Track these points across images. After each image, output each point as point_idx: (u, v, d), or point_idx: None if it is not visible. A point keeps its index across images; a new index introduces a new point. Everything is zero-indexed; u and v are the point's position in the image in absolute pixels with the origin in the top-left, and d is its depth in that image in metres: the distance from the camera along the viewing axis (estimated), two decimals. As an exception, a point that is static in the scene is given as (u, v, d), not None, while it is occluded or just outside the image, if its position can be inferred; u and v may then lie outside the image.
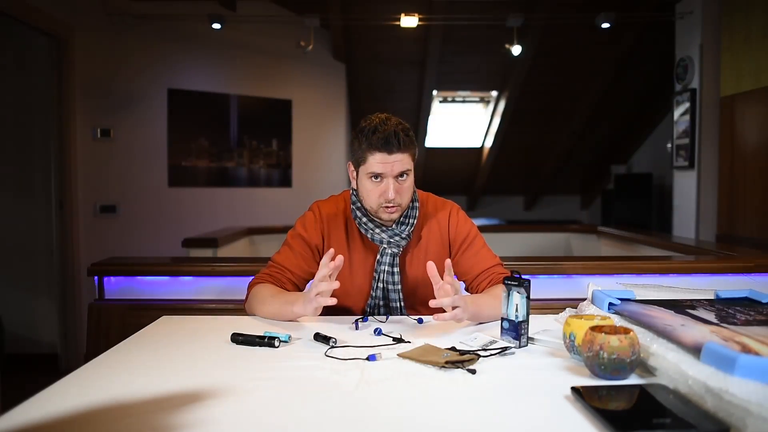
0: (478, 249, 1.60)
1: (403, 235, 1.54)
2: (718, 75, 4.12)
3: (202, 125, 4.67)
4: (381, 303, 1.54)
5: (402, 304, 1.54)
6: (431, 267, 1.31)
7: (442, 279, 1.31)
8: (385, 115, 1.49)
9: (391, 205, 1.48)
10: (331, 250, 1.34)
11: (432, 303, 1.30)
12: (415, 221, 1.57)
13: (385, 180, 1.46)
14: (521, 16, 4.36)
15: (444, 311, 1.32)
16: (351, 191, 1.61)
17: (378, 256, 1.54)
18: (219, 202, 4.76)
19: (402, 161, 1.46)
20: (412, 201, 1.58)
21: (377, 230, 1.53)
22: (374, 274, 1.54)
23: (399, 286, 1.53)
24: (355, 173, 1.55)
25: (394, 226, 1.54)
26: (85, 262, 3.84)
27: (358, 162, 1.50)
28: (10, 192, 3.77)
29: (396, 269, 1.53)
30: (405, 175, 1.48)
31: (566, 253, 4.37)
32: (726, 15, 4.01)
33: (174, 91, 4.45)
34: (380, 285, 1.53)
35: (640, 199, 6.51)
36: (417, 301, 1.56)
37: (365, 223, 1.54)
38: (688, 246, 2.77)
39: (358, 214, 1.56)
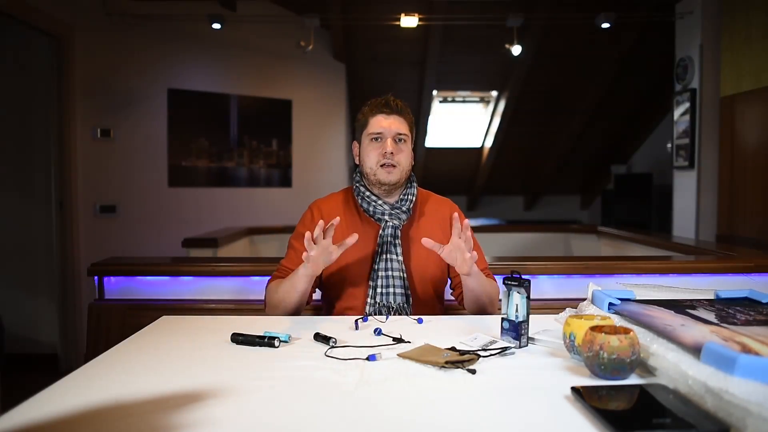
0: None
1: (404, 209, 1.62)
2: (718, 75, 4.12)
3: (202, 125, 4.67)
4: (384, 275, 1.57)
5: (404, 275, 1.58)
6: (426, 241, 1.42)
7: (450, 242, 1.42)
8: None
9: (390, 162, 1.58)
10: (320, 223, 1.37)
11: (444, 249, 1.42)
12: (414, 199, 1.66)
13: (384, 140, 1.60)
14: (521, 16, 4.36)
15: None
16: (355, 172, 1.70)
17: (380, 231, 1.60)
18: (219, 202, 4.76)
19: (399, 124, 1.62)
20: (410, 180, 1.68)
21: (380, 202, 1.61)
22: (377, 248, 1.59)
23: (401, 258, 1.59)
24: (358, 148, 1.67)
25: (394, 201, 1.63)
26: (85, 262, 3.84)
27: (361, 130, 1.65)
28: (10, 192, 3.77)
29: (398, 241, 1.60)
30: (402, 140, 1.61)
31: (566, 253, 4.37)
32: (726, 15, 4.01)
33: (174, 91, 4.45)
34: (384, 257, 1.58)
35: (640, 199, 6.50)
36: (418, 274, 1.61)
37: (368, 197, 1.62)
38: (687, 246, 2.76)
39: (362, 189, 1.64)
